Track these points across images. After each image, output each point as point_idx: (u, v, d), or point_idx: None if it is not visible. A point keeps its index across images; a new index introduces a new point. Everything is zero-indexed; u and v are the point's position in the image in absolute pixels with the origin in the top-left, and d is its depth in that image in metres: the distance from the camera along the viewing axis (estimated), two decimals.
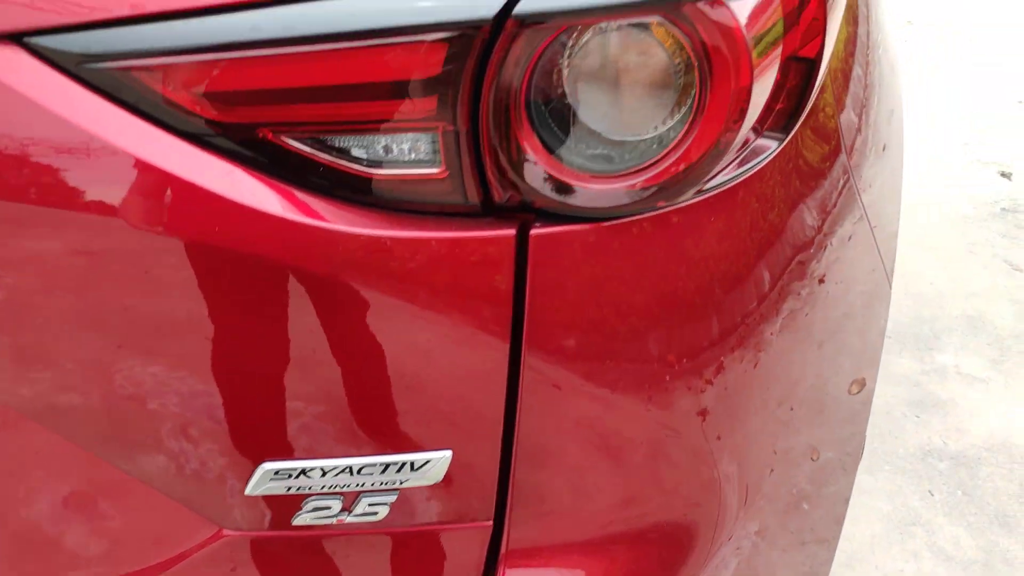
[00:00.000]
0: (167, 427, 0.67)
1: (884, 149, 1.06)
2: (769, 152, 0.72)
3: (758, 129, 0.71)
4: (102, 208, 0.58)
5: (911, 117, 3.58)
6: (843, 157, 0.86)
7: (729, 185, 0.70)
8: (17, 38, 0.56)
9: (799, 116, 0.72)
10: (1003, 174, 3.34)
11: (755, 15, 0.64)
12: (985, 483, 2.12)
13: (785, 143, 0.74)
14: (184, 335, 0.63)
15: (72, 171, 0.58)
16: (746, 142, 0.70)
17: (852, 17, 1.04)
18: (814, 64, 0.71)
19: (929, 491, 2.10)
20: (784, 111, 0.71)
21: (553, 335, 0.67)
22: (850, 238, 0.89)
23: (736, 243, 0.73)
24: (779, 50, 0.68)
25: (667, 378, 0.71)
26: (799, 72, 0.71)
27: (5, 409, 0.68)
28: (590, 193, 0.64)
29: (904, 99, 1.24)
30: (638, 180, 0.64)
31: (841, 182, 0.86)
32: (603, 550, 0.78)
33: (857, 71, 1.02)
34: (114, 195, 0.58)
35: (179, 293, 0.62)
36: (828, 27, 0.72)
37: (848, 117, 0.91)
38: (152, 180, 0.58)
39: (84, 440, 0.69)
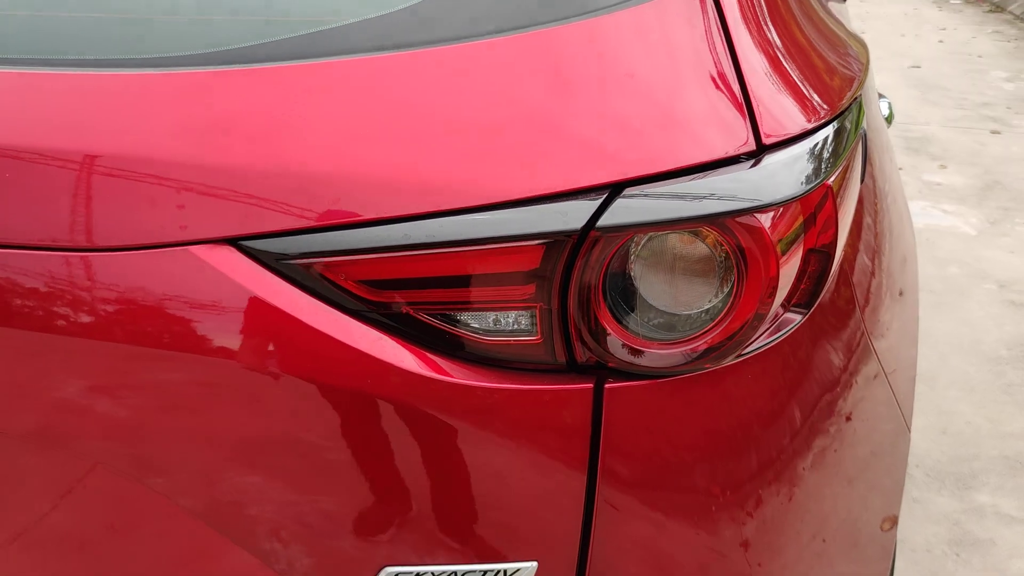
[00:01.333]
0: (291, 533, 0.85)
1: (901, 294, 1.22)
2: (795, 323, 0.89)
3: (786, 305, 0.89)
4: (279, 363, 0.77)
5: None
6: (857, 312, 1.03)
7: (764, 350, 0.88)
8: (233, 241, 0.76)
9: (819, 294, 0.90)
10: None
11: (781, 222, 0.83)
12: None
13: (808, 316, 0.92)
14: (336, 466, 0.82)
15: (264, 337, 0.77)
16: (776, 316, 0.88)
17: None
18: (830, 255, 0.90)
19: None
20: (807, 290, 0.90)
21: (623, 468, 0.84)
22: (869, 380, 1.06)
23: (771, 382, 0.89)
24: (801, 245, 0.87)
25: (713, 507, 0.87)
26: (818, 260, 0.89)
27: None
28: (652, 356, 0.82)
29: (914, 246, 1.41)
30: (690, 347, 0.83)
31: (858, 332, 1.03)
32: None
33: (867, 220, 1.20)
34: (292, 354, 0.78)
35: (333, 431, 0.80)
36: (840, 223, 0.90)
37: (862, 262, 1.08)
38: (323, 345, 0.78)
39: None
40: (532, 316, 0.80)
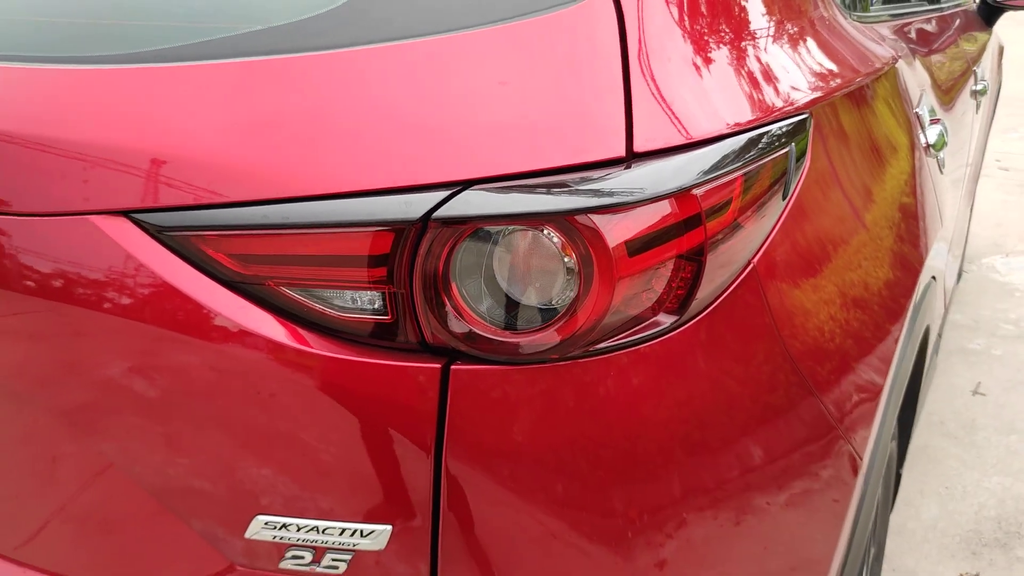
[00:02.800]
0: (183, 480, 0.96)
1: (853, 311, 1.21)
2: (665, 327, 0.92)
3: (655, 308, 0.92)
4: (160, 322, 0.89)
5: None
6: (774, 330, 1.03)
7: (632, 350, 0.91)
8: (126, 213, 0.89)
9: (691, 301, 0.93)
10: None
11: (634, 226, 0.87)
12: None
13: (690, 323, 0.94)
14: (210, 423, 0.92)
15: (150, 299, 0.89)
16: (641, 317, 0.91)
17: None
18: (701, 264, 0.92)
19: None
20: (679, 296, 0.93)
21: (468, 447, 0.90)
22: (784, 397, 1.06)
23: (638, 382, 0.92)
24: (671, 251, 0.90)
25: (558, 493, 0.91)
26: (691, 268, 0.92)
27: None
28: (494, 343, 0.88)
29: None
30: (532, 338, 0.88)
31: (770, 348, 1.03)
32: None
33: (820, 244, 1.15)
34: (171, 316, 0.89)
35: (207, 390, 0.91)
36: (714, 234, 0.92)
37: (797, 277, 1.08)
38: (196, 309, 0.89)
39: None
40: (383, 297, 0.88)
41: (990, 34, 3.01)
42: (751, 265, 1.00)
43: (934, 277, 1.65)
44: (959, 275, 3.70)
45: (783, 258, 1.05)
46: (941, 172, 1.73)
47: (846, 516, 1.20)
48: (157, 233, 0.89)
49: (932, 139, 1.63)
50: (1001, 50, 3.58)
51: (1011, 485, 2.76)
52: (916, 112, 1.60)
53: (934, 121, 1.68)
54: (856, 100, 1.31)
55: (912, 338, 1.39)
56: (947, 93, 2.05)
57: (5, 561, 1.08)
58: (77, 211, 0.89)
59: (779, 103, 1.06)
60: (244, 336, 0.89)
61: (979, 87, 2.49)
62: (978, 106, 2.57)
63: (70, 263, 0.90)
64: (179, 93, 0.90)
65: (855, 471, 1.19)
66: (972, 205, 3.68)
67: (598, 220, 0.85)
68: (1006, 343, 3.66)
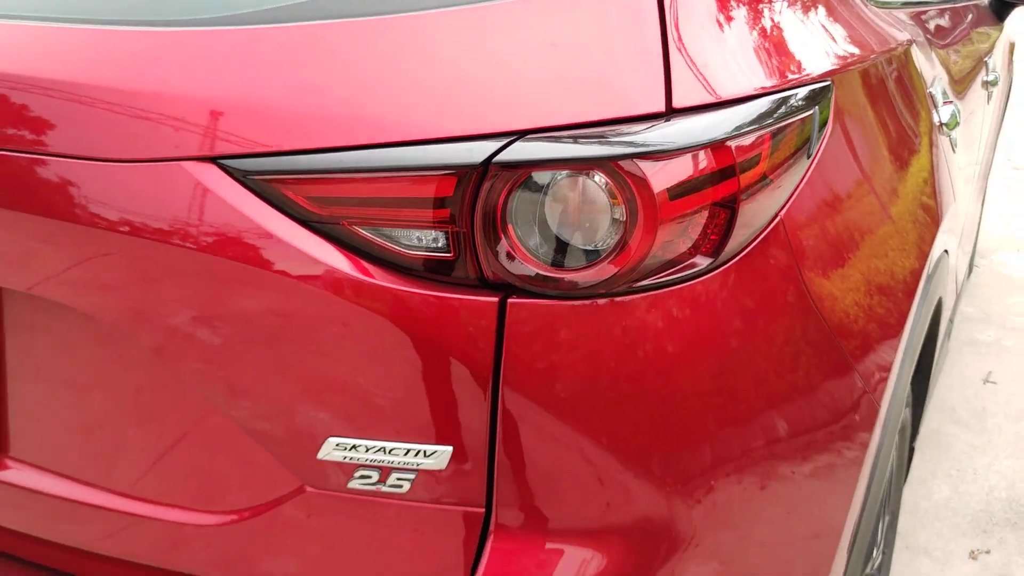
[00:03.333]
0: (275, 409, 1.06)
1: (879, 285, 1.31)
2: (700, 268, 1.01)
3: (692, 251, 1.01)
4: (240, 256, 0.99)
5: None
6: (800, 281, 1.12)
7: (670, 289, 1.01)
8: (214, 159, 0.99)
9: (725, 245, 1.02)
10: None
11: (674, 173, 0.96)
12: None
13: (724, 267, 1.03)
14: (287, 352, 1.02)
15: (236, 236, 0.99)
16: (679, 259, 1.00)
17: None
18: (735, 212, 1.01)
19: None
20: (715, 240, 1.02)
21: (523, 374, 0.99)
22: (807, 340, 1.14)
23: (675, 319, 1.01)
24: (708, 198, 0.99)
25: (600, 420, 1.01)
26: (725, 215, 1.01)
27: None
28: (547, 279, 0.97)
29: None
30: (581, 275, 0.97)
31: (794, 293, 1.11)
32: (577, 539, 1.06)
33: (846, 213, 1.24)
34: (255, 252, 0.99)
35: (283, 320, 1.00)
36: (746, 184, 1.01)
37: (823, 237, 1.17)
38: (277, 246, 0.98)
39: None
40: (447, 236, 0.98)
41: (1001, 30, 3.09)
42: (778, 217, 1.09)
43: (946, 251, 1.74)
44: (970, 269, 3.77)
45: (808, 213, 1.14)
46: (953, 151, 1.82)
47: (864, 462, 1.28)
48: (242, 177, 0.98)
49: (945, 118, 1.71)
50: (1012, 46, 3.65)
51: (1022, 468, 2.84)
52: (929, 92, 1.69)
53: (947, 102, 1.77)
54: (874, 74, 1.40)
55: (927, 300, 1.48)
56: (959, 83, 2.14)
57: (82, 485, 1.18)
58: (169, 157, 0.99)
59: (805, 70, 1.15)
60: (321, 271, 0.98)
61: (991, 78, 2.57)
62: (989, 96, 2.65)
63: (162, 204, 1.00)
64: (263, 52, 1.00)
65: (873, 415, 1.27)
66: (983, 201, 3.75)
67: (643, 165, 0.94)
68: (1017, 335, 3.73)
